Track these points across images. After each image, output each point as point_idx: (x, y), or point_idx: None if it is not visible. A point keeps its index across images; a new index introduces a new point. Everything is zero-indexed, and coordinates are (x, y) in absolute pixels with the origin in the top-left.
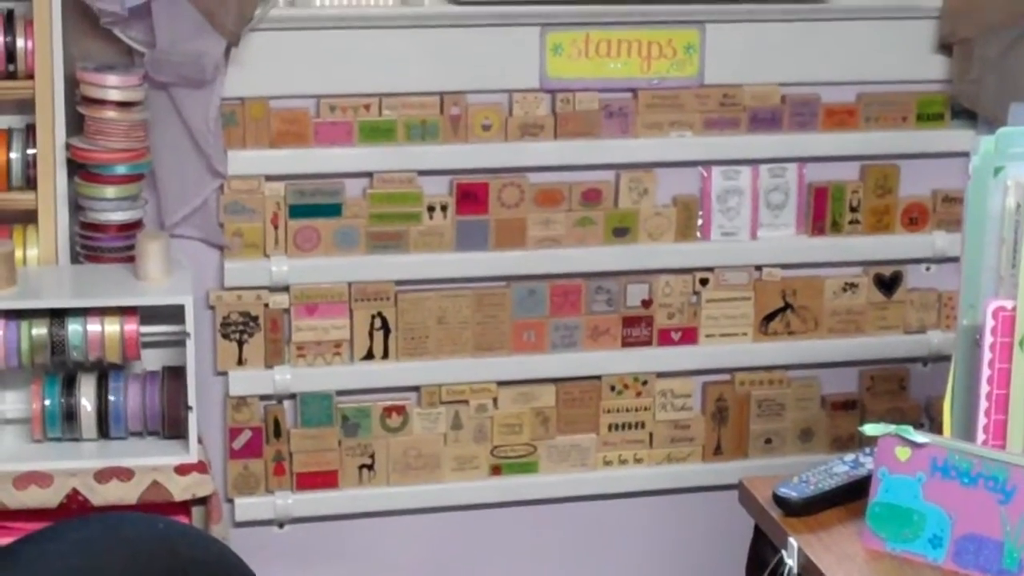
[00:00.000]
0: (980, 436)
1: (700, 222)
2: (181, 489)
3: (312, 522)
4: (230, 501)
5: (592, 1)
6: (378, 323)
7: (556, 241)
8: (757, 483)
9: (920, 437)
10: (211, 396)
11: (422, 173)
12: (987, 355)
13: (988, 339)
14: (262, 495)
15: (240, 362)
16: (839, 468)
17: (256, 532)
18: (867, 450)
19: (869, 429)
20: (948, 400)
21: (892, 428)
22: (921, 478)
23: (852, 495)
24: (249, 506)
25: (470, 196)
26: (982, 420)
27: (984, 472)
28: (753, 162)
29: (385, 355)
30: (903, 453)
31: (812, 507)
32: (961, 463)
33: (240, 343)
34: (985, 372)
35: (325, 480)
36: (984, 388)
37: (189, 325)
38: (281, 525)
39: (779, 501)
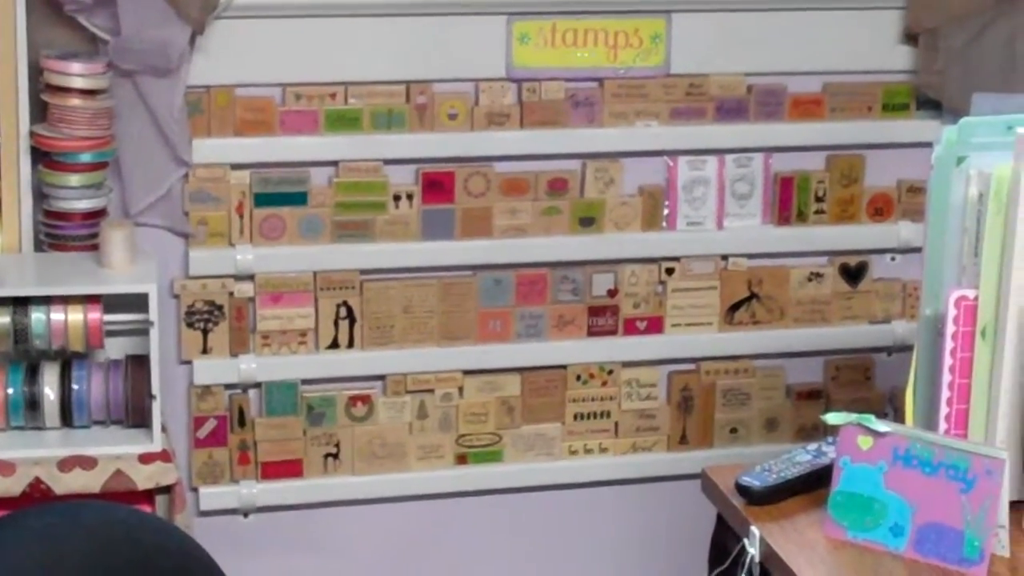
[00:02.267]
0: (942, 425)
1: (666, 212)
2: (144, 478)
3: (277, 511)
4: (195, 490)
5: None
6: (343, 312)
7: (522, 230)
8: (720, 472)
9: (882, 426)
10: (176, 385)
11: (388, 162)
12: (949, 344)
13: (950, 328)
14: (227, 484)
15: (205, 351)
16: (802, 457)
17: (221, 521)
18: (830, 439)
19: (831, 418)
20: (910, 389)
21: (854, 417)
22: (882, 467)
23: (814, 484)
24: (214, 495)
25: (436, 185)
26: (944, 409)
27: (945, 461)
28: (719, 152)
29: (350, 344)
30: (865, 442)
31: (774, 496)
32: (922, 452)
33: (205, 332)
34: (947, 361)
35: (290, 469)
36: (946, 377)
37: (153, 314)
38: (246, 514)
39: (741, 490)
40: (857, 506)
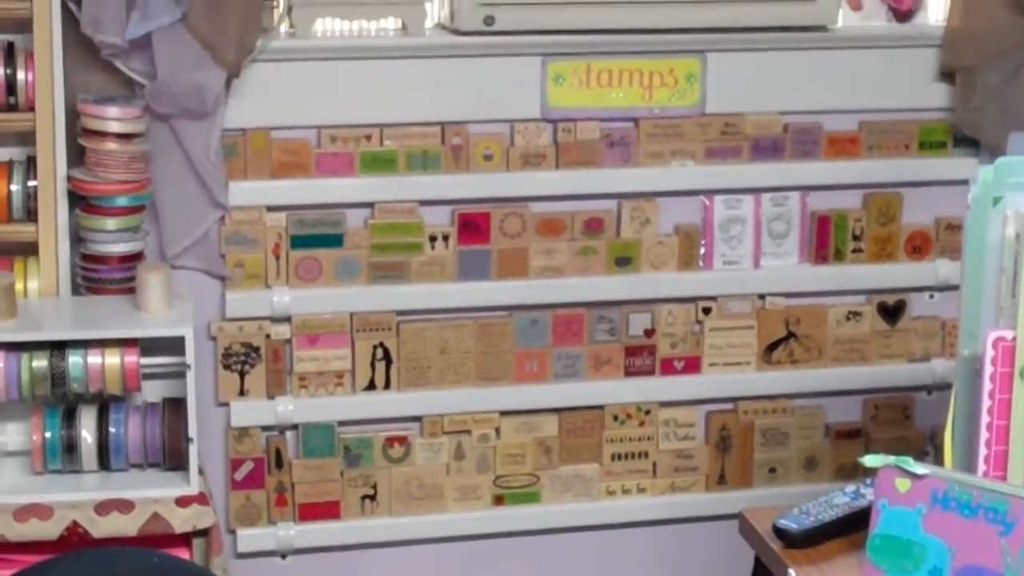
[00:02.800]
0: (981, 467)
1: (702, 251)
2: (182, 521)
3: (314, 553)
4: (232, 532)
5: (593, 31)
6: (380, 353)
7: (558, 271)
8: (758, 514)
9: (920, 468)
10: (213, 427)
11: (423, 203)
12: (987, 385)
13: (988, 369)
14: (264, 526)
15: (242, 393)
16: (839, 499)
17: (258, 563)
18: (868, 481)
19: (869, 460)
20: (949, 430)
21: (892, 459)
22: (921, 509)
23: (853, 526)
24: (251, 537)
25: (472, 226)
26: (983, 451)
27: (984, 503)
28: (755, 191)
29: (387, 385)
30: (903, 484)
31: (812, 539)
32: (961, 494)
33: (242, 374)
34: (985, 402)
35: (327, 511)
36: (984, 419)
37: (189, 357)
38: (284, 556)
39: (779, 533)
40: (896, 549)
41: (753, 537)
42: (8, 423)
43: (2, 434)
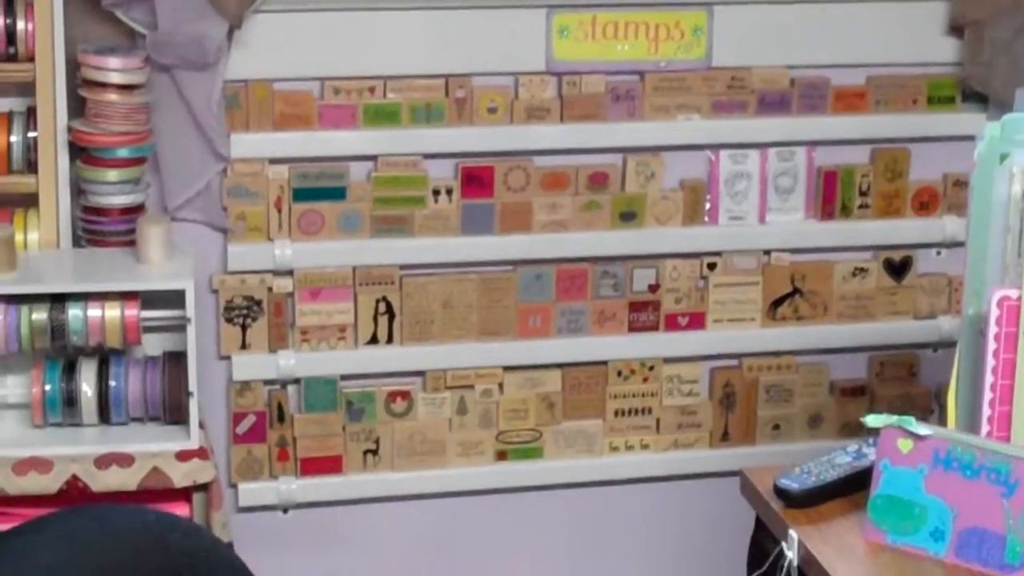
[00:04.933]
0: (984, 427)
1: (708, 206)
2: (182, 475)
3: (316, 507)
4: (234, 486)
5: None
6: (383, 307)
7: (562, 225)
8: (759, 473)
9: (922, 429)
10: (215, 381)
11: (427, 156)
12: (992, 345)
13: (993, 329)
14: (266, 480)
15: (244, 346)
16: (841, 459)
17: (260, 517)
18: (870, 440)
19: (871, 420)
20: (952, 390)
21: (894, 419)
22: (923, 470)
23: (854, 487)
24: (253, 491)
25: (475, 180)
26: (986, 411)
27: (987, 464)
28: (761, 146)
29: (390, 340)
30: (905, 445)
31: (813, 499)
32: (964, 455)
33: (244, 327)
34: (990, 362)
35: (329, 465)
36: (989, 379)
37: (190, 310)
38: (285, 510)
39: (780, 492)
40: (897, 510)
41: (754, 497)
42: (8, 375)
43: (2, 387)
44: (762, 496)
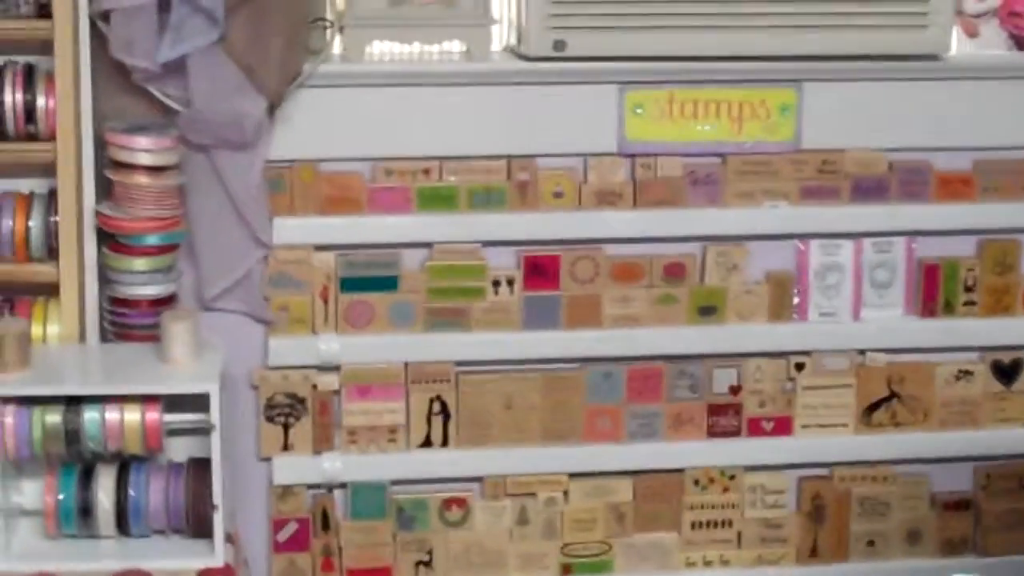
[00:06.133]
0: None
1: (796, 301)
2: None
3: None
4: None
5: (676, 58)
6: (437, 407)
7: (634, 320)
8: None
9: None
10: (254, 484)
11: (486, 244)
12: None
13: None
14: None
15: (286, 447)
16: None
17: None
18: None
19: None
20: None
21: None
22: None
23: None
24: None
25: (539, 270)
26: None
27: None
28: (856, 235)
29: (444, 442)
30: None
31: None
32: None
33: (286, 427)
34: None
35: None
36: None
37: (214, 416)
38: None
39: None
40: None
41: None
42: (24, 480)
43: (17, 493)
44: None
